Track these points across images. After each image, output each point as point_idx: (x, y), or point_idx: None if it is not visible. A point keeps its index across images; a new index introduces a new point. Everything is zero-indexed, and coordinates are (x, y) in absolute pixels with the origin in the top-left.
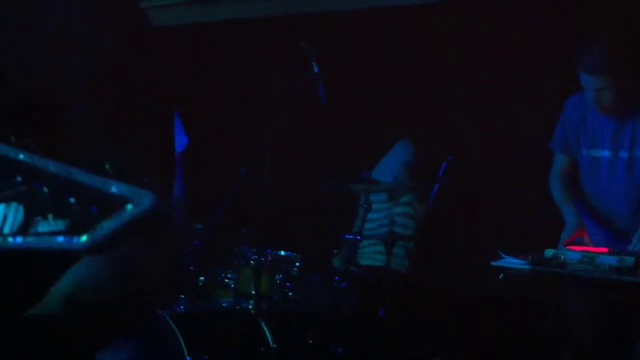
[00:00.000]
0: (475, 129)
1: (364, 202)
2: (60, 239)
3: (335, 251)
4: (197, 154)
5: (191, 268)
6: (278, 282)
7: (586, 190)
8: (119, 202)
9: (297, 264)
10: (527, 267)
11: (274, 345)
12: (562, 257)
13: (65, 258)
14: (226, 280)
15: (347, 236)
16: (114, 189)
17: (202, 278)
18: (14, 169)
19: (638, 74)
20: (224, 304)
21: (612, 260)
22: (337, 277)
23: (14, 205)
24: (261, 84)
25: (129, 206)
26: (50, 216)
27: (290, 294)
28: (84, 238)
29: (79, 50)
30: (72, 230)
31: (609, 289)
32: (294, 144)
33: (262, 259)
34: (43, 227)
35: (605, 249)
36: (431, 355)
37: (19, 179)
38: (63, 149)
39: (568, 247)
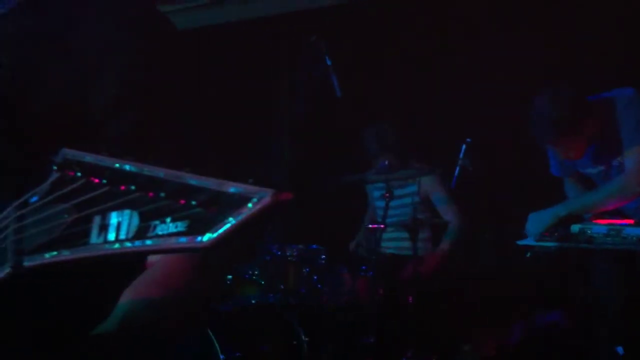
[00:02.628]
0: (495, 110)
1: (385, 191)
2: (183, 239)
3: (359, 241)
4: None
5: None
6: (305, 275)
7: None
8: (241, 200)
9: (323, 256)
10: (554, 244)
11: (306, 339)
12: (589, 231)
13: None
14: (253, 277)
15: (370, 225)
16: (232, 189)
17: (229, 276)
18: (124, 179)
19: (588, 125)
20: (252, 301)
21: (639, 231)
22: (363, 267)
23: (127, 212)
24: (276, 81)
25: (250, 204)
26: (168, 219)
27: (318, 286)
28: (207, 236)
29: (114, 64)
30: (193, 230)
31: (637, 260)
32: (313, 138)
33: (288, 253)
34: (162, 230)
35: (632, 221)
36: (461, 341)
37: (133, 187)
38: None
39: (593, 220)
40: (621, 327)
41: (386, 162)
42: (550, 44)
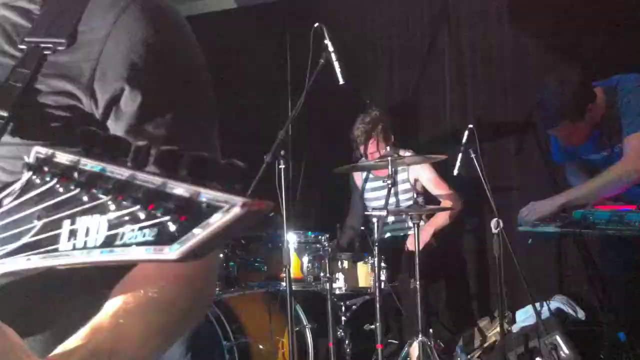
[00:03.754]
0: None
1: (387, 178)
2: (149, 249)
3: (362, 228)
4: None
5: (220, 255)
6: (308, 262)
7: None
8: (207, 209)
9: (326, 243)
10: (556, 230)
11: (308, 325)
12: (591, 217)
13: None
14: (256, 264)
15: (373, 212)
16: (202, 197)
17: (232, 264)
18: (94, 181)
19: (592, 112)
20: (255, 288)
21: None
22: (365, 254)
23: (96, 217)
24: (279, 68)
25: (218, 214)
26: (136, 227)
27: (321, 274)
28: (174, 248)
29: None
30: (161, 240)
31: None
32: (316, 126)
33: (290, 240)
34: (130, 238)
35: (634, 206)
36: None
37: (102, 191)
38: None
39: (595, 206)
40: (625, 313)
41: (387, 148)
42: (556, 29)
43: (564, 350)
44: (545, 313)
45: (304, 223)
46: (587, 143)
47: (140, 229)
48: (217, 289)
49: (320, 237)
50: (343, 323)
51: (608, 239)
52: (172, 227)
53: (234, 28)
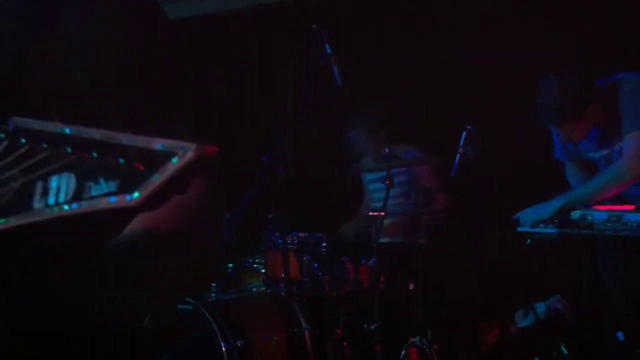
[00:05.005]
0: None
1: (385, 179)
2: (113, 199)
3: (362, 229)
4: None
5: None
6: (306, 264)
7: None
8: (165, 156)
9: (324, 244)
10: (554, 230)
11: (307, 327)
12: (589, 217)
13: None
14: (255, 265)
15: (370, 213)
16: (158, 146)
17: (230, 265)
18: (62, 142)
19: (593, 110)
20: (254, 290)
21: None
22: (365, 255)
23: (65, 175)
24: (277, 70)
25: (174, 159)
26: (101, 179)
27: (319, 274)
28: (135, 194)
29: (99, 47)
30: (123, 189)
31: (638, 246)
32: (314, 127)
33: (289, 242)
34: (96, 190)
35: (632, 207)
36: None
37: (69, 150)
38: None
39: (594, 206)
40: (624, 314)
41: (387, 150)
42: (556, 27)
43: (563, 350)
44: (543, 314)
45: (302, 224)
46: (587, 141)
47: (105, 180)
48: (216, 290)
49: (319, 238)
50: (342, 324)
51: (606, 239)
52: (132, 175)
53: (232, 30)
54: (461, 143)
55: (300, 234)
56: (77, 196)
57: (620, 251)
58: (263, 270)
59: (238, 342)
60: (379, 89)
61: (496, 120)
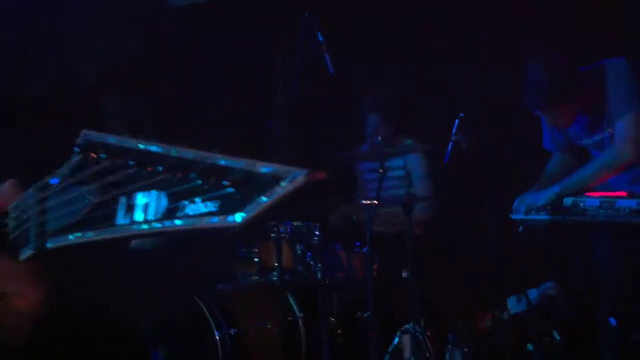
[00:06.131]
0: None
1: (378, 168)
2: (215, 219)
3: (354, 218)
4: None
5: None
6: (299, 252)
7: None
8: (271, 180)
9: (317, 232)
10: (547, 217)
11: (301, 315)
12: (581, 204)
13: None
14: (248, 255)
15: (364, 201)
16: (263, 169)
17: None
18: (151, 160)
19: (579, 96)
20: (248, 279)
21: (632, 203)
22: (357, 243)
23: (154, 193)
24: (270, 59)
25: (283, 183)
26: (198, 200)
27: (312, 263)
28: (239, 216)
29: (103, 44)
30: (225, 210)
31: (631, 232)
32: (307, 116)
33: (282, 230)
34: (193, 210)
35: (624, 193)
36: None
37: (160, 168)
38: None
39: (586, 193)
40: (616, 300)
41: (379, 138)
42: (545, 14)
43: (555, 336)
44: (536, 300)
45: (295, 212)
46: (576, 127)
47: (203, 200)
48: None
49: (310, 226)
50: (335, 312)
51: (598, 225)
52: (235, 197)
53: (222, 18)
54: (454, 131)
55: (294, 222)
56: (169, 215)
57: (612, 237)
58: (256, 260)
59: (232, 330)
60: (374, 77)
61: (488, 107)
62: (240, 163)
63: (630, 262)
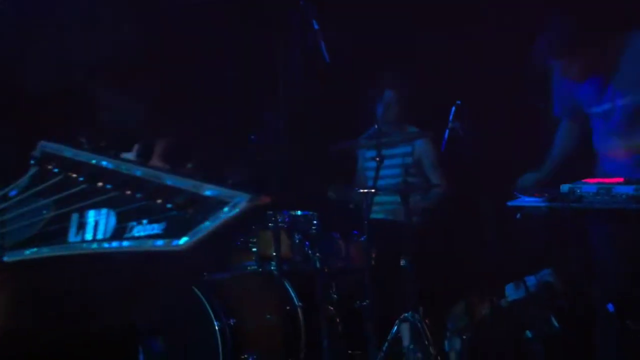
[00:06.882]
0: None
1: (376, 156)
2: (160, 242)
3: (352, 205)
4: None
5: None
6: (297, 242)
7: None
8: (215, 204)
9: (315, 222)
10: (544, 204)
11: (299, 304)
12: (578, 191)
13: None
14: (247, 244)
15: (360, 190)
16: (207, 192)
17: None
18: (101, 176)
19: (597, 46)
20: (246, 268)
21: (629, 189)
22: (355, 232)
23: (104, 211)
24: (265, 48)
25: (226, 208)
26: (145, 221)
27: (310, 252)
28: (183, 240)
29: (102, 37)
30: (170, 233)
31: (628, 219)
32: (303, 105)
33: (280, 220)
34: (139, 231)
35: (621, 179)
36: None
37: (109, 186)
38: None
39: (583, 180)
40: (613, 286)
41: (376, 127)
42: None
43: (553, 323)
44: (534, 287)
45: (293, 202)
46: (587, 87)
47: (150, 222)
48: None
49: (308, 215)
50: (334, 301)
51: (595, 211)
52: (180, 220)
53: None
54: (450, 118)
55: (292, 212)
56: (117, 235)
57: (609, 224)
58: (254, 249)
59: (231, 320)
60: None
61: (486, 95)
62: (186, 183)
63: (627, 248)
